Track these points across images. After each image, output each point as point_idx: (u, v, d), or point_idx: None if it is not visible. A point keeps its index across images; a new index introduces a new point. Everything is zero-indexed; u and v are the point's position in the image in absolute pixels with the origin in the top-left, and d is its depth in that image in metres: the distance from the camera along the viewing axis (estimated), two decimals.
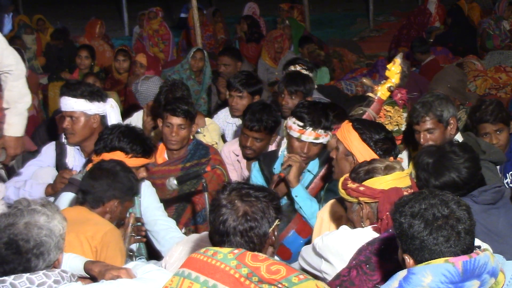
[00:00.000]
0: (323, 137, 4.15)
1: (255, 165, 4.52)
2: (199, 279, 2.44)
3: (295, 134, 4.14)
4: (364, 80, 4.39)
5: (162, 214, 4.23)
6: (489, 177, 3.94)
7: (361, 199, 3.02)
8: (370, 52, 11.92)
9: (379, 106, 4.15)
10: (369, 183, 3.00)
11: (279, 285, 2.41)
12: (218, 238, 2.51)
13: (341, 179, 3.14)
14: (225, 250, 2.47)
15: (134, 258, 3.77)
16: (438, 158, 3.37)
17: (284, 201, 4.15)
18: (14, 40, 10.24)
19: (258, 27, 11.72)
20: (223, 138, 5.79)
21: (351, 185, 3.04)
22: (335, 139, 3.76)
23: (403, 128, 4.24)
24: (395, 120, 4.19)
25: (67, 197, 3.91)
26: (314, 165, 4.25)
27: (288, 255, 3.90)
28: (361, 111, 4.22)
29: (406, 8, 15.50)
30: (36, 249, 2.50)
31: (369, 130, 3.55)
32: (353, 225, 3.14)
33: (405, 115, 4.24)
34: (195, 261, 2.49)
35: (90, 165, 3.81)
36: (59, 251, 2.59)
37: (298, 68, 6.05)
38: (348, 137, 3.57)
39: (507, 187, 4.36)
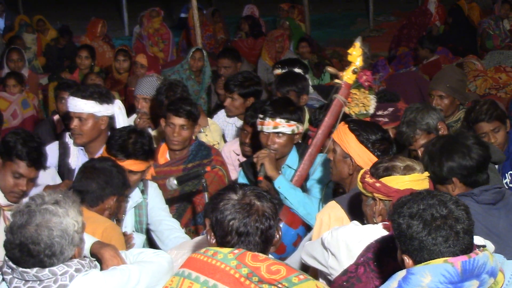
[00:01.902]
0: (283, 126, 4.17)
1: (240, 173, 4.54)
2: (199, 279, 2.44)
3: (258, 127, 4.24)
4: (329, 69, 4.43)
5: (167, 215, 4.26)
6: (491, 178, 3.95)
7: (375, 195, 3.01)
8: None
9: (347, 91, 4.17)
10: (386, 180, 2.98)
11: (279, 285, 2.41)
12: (236, 238, 2.49)
13: (362, 171, 3.13)
14: (225, 250, 2.46)
15: None
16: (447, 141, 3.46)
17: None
18: (14, 40, 10.24)
19: (259, 26, 11.75)
20: (223, 138, 5.79)
21: (369, 179, 3.03)
22: (331, 141, 3.76)
23: (370, 110, 4.24)
24: (361, 102, 4.21)
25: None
26: (293, 160, 4.28)
27: (282, 249, 3.89)
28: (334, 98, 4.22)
29: (406, 8, 15.50)
30: (48, 250, 2.54)
31: (366, 131, 3.54)
32: (363, 221, 3.14)
33: (371, 97, 4.25)
34: (195, 261, 2.49)
35: None
36: (74, 247, 2.62)
37: (278, 71, 6.04)
38: (345, 139, 3.56)
39: (507, 187, 4.37)
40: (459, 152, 3.37)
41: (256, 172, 4.25)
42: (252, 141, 4.85)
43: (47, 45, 11.15)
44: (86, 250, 2.92)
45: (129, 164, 3.97)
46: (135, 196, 3.96)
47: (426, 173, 3.03)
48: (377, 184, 2.99)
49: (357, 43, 4.18)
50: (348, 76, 4.14)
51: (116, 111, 4.66)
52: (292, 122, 4.20)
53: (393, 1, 17.39)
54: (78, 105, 4.45)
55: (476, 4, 12.61)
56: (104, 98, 4.51)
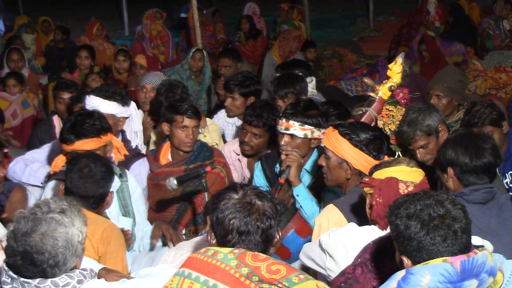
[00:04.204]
0: (295, 129, 4.12)
1: (257, 165, 4.52)
2: (199, 279, 2.44)
3: (277, 126, 4.23)
4: (366, 80, 4.39)
5: (140, 217, 4.27)
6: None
7: (365, 189, 3.08)
8: (370, 52, 11.91)
9: (380, 106, 4.14)
10: (374, 174, 3.08)
11: (279, 285, 2.42)
12: (237, 237, 2.49)
13: None
14: (225, 250, 2.47)
15: None
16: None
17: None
18: (13, 40, 10.24)
19: (254, 24, 11.77)
20: (223, 138, 5.79)
21: (365, 178, 3.14)
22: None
23: None
24: (398, 119, 4.19)
25: (54, 185, 4.06)
26: (314, 166, 4.24)
27: (287, 255, 3.89)
28: (361, 112, 4.20)
29: (406, 8, 15.48)
30: (51, 260, 2.51)
31: (357, 134, 3.52)
32: (362, 223, 3.16)
33: None
34: (195, 261, 2.50)
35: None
36: (77, 258, 2.60)
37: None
38: (338, 145, 3.53)
39: (507, 187, 4.37)
40: (467, 148, 3.43)
41: (277, 169, 4.25)
42: (270, 139, 4.85)
43: (47, 45, 11.11)
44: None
45: (81, 144, 3.99)
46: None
47: (416, 169, 3.07)
48: (366, 179, 3.09)
49: (399, 59, 4.14)
50: (383, 92, 4.11)
51: (133, 112, 4.72)
52: (307, 126, 4.12)
53: (393, 1, 17.37)
54: (100, 105, 4.51)
55: (476, 4, 12.61)
56: (124, 99, 4.60)
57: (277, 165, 4.32)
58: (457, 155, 3.43)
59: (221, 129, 5.76)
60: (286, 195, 4.16)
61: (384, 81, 4.17)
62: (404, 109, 4.20)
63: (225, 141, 5.68)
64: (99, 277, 2.86)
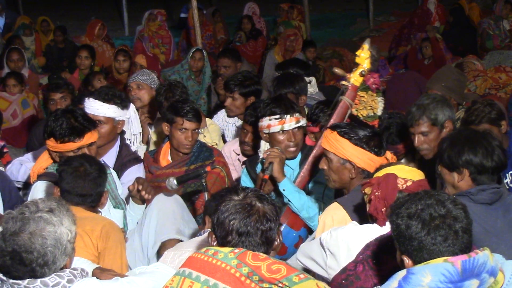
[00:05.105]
0: (302, 120, 4.25)
1: (243, 171, 4.54)
2: (200, 279, 2.44)
3: (277, 128, 4.17)
4: (336, 70, 4.42)
5: None
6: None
7: (366, 190, 3.09)
8: None
9: (354, 93, 4.17)
10: (375, 175, 3.11)
11: (280, 284, 2.42)
12: (236, 238, 2.50)
13: None
14: (226, 249, 2.47)
15: None
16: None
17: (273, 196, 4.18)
18: (13, 40, 10.24)
19: (254, 24, 11.80)
20: (223, 138, 5.79)
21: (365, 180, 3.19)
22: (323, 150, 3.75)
23: (378, 112, 4.26)
24: (369, 104, 4.21)
25: (42, 185, 4.02)
26: (296, 163, 4.27)
27: (283, 250, 3.90)
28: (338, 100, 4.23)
29: (406, 8, 15.48)
30: (40, 259, 2.51)
31: (356, 132, 3.54)
32: (366, 222, 3.18)
33: (379, 99, 4.27)
34: (195, 260, 2.50)
35: None
36: (66, 257, 2.60)
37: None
38: (339, 146, 3.55)
39: (507, 187, 4.37)
40: (483, 149, 3.40)
41: (258, 169, 4.25)
42: (254, 141, 4.85)
43: (47, 45, 11.11)
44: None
45: (88, 139, 4.03)
46: None
47: (415, 169, 3.10)
48: (367, 180, 3.13)
49: (366, 45, 4.18)
50: (355, 79, 4.14)
51: (132, 115, 4.72)
52: (301, 115, 4.27)
53: (393, 1, 17.36)
54: (100, 108, 4.51)
55: (476, 4, 12.60)
56: (124, 102, 4.61)
57: (259, 165, 4.34)
58: (476, 156, 3.37)
59: (221, 129, 5.76)
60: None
61: (353, 69, 4.19)
62: (375, 94, 4.22)
63: (225, 141, 5.67)
64: (93, 276, 2.86)
